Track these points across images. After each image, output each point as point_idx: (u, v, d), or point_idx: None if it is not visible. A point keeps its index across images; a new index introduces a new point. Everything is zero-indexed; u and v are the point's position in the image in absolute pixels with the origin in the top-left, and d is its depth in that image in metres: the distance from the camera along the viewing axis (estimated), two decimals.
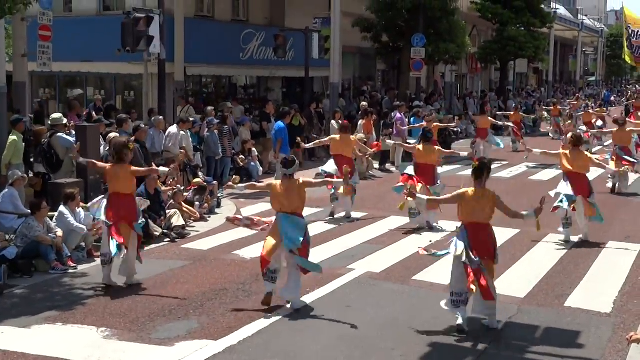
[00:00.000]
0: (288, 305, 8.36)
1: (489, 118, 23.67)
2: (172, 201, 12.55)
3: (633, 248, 11.38)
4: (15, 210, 10.85)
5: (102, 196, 9.66)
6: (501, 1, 33.90)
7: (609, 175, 16.69)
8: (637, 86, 69.23)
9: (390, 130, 20.64)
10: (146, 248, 11.04)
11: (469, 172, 8.27)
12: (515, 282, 9.51)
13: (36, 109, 18.20)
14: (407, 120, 20.97)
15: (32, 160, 12.80)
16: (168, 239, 11.71)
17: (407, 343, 7.37)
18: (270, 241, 8.40)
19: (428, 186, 12.36)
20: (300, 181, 8.61)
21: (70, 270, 9.92)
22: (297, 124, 18.95)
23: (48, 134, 12.67)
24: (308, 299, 8.69)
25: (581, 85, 61.53)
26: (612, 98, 57.89)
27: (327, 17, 24.10)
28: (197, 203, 13.43)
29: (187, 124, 15.48)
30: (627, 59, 39.16)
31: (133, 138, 12.26)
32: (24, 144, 12.45)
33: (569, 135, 12.60)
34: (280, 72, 27.28)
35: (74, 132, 12.74)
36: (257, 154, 18.08)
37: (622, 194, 16.27)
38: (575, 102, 33.82)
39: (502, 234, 12.07)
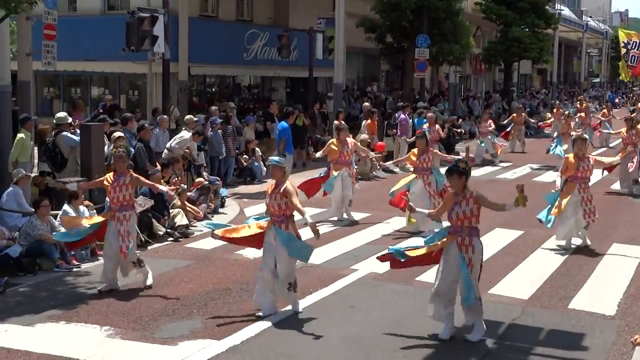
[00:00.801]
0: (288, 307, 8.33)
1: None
2: (175, 201, 12.54)
3: (637, 250, 11.34)
4: (20, 209, 10.86)
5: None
6: (506, 2, 33.83)
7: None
8: None
9: (395, 130, 20.63)
10: (149, 247, 11.08)
11: (473, 173, 8.22)
12: (519, 283, 9.49)
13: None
14: (411, 120, 20.96)
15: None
16: (171, 239, 11.72)
17: (410, 344, 7.36)
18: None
19: (428, 186, 12.32)
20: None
21: (74, 269, 9.93)
22: (300, 124, 18.96)
23: (53, 132, 12.69)
24: (311, 299, 8.69)
25: (585, 86, 61.50)
26: (617, 100, 57.73)
27: (331, 18, 24.09)
28: (203, 205, 13.39)
29: (193, 124, 15.49)
30: (623, 75, 39.64)
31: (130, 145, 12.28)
32: (31, 142, 12.47)
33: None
34: (284, 72, 27.31)
35: (78, 131, 12.76)
36: (260, 154, 18.08)
37: (622, 194, 16.28)
38: (606, 111, 28.23)
39: (506, 236, 12.10)
